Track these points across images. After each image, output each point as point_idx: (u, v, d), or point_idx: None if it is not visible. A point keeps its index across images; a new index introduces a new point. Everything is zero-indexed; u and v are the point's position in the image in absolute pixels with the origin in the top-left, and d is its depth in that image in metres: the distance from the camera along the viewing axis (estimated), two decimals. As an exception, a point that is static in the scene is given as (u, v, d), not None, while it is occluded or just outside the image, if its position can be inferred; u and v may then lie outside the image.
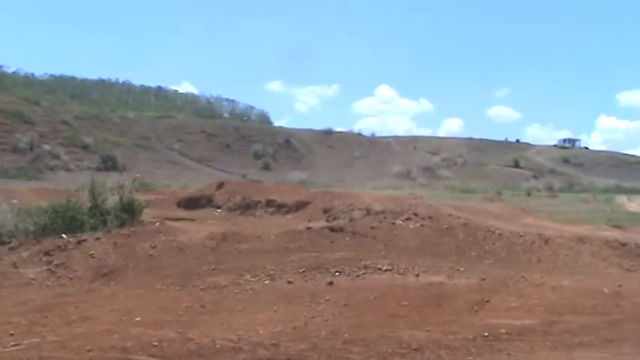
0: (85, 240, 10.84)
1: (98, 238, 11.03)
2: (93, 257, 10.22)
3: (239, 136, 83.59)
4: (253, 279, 8.86)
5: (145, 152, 68.76)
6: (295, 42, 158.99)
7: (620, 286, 8.39)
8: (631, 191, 47.43)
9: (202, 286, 8.56)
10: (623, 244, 11.53)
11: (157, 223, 13.73)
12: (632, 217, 22.89)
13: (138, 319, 6.83)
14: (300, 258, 10.09)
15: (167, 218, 15.51)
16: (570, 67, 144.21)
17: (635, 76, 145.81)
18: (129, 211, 13.38)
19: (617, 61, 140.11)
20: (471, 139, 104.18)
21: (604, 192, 45.94)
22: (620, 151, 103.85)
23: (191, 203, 22.13)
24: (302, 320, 6.78)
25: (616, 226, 17.32)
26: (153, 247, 11.01)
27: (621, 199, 38.35)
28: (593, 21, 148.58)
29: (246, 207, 19.97)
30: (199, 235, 12.41)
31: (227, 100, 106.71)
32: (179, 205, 22.30)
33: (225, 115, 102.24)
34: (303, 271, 9.17)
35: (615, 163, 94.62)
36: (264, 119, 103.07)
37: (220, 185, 24.16)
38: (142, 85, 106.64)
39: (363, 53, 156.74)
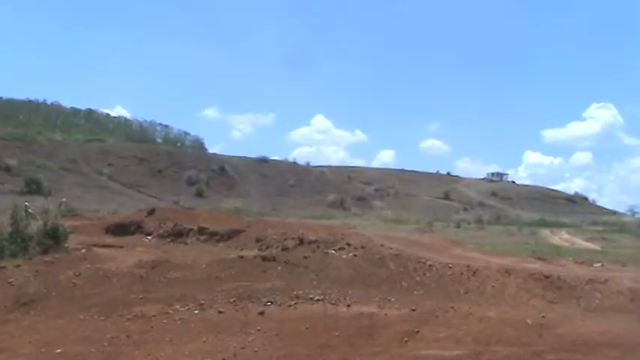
0: (3, 267, 10.35)
1: (18, 266, 10.58)
2: (12, 285, 9.77)
3: (172, 161, 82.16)
4: (183, 309, 8.67)
5: (72, 176, 66.45)
6: (232, 69, 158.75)
7: (543, 317, 8.67)
8: (554, 225, 49.34)
9: (129, 316, 8.29)
10: (547, 277, 11.92)
11: (83, 250, 13.25)
12: (555, 249, 23.77)
13: (59, 350, 6.56)
14: (231, 287, 9.97)
15: (94, 245, 14.98)
16: (499, 103, 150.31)
17: (559, 114, 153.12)
18: (53, 237, 12.85)
19: (542, 100, 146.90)
20: (403, 170, 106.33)
21: (529, 225, 47.56)
22: (544, 186, 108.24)
23: (120, 229, 21.47)
24: (231, 351, 6.67)
25: (540, 259, 17.88)
26: (77, 275, 10.63)
27: (545, 232, 39.81)
28: (519, 62, 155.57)
29: (178, 234, 19.54)
30: (127, 262, 12.08)
31: (160, 125, 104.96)
32: (107, 231, 21.61)
33: (159, 140, 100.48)
34: (234, 301, 9.05)
35: (540, 197, 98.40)
36: (199, 145, 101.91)
37: (151, 212, 23.60)
38: (72, 107, 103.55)
39: (300, 83, 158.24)
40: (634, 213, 73.96)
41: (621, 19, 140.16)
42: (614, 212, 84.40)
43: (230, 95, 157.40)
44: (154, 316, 8.28)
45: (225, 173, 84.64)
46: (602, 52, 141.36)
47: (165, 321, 8.06)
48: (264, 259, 12.47)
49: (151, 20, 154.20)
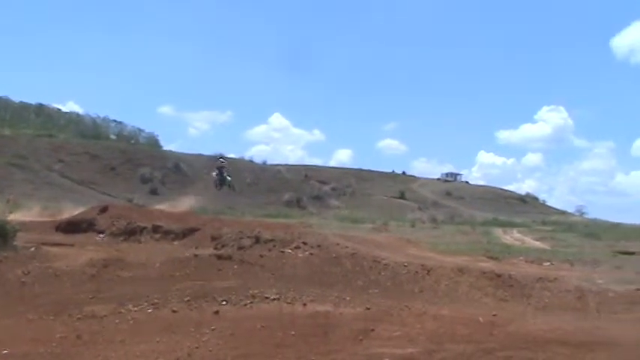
0: (-52, 266, 10.01)
1: (-36, 264, 10.23)
2: (-43, 284, 9.45)
3: (125, 158, 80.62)
4: (135, 308, 8.51)
5: (21, 172, 64.52)
6: (189, 66, 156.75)
7: (494, 315, 8.85)
8: (506, 224, 50.27)
9: (79, 316, 8.10)
10: (498, 275, 12.20)
11: (32, 249, 12.91)
12: (507, 249, 24.27)
13: (5, 351, 6.37)
14: (185, 286, 9.85)
15: (43, 243, 14.60)
16: (454, 105, 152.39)
17: (512, 116, 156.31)
18: (0, 235, 12.48)
19: (496, 102, 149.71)
20: (360, 169, 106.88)
21: (482, 224, 48.38)
22: (497, 186, 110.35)
23: (71, 228, 20.97)
24: (185, 351, 6.59)
25: (492, 258, 18.29)
26: (26, 274, 10.35)
27: (497, 231, 40.58)
28: (474, 64, 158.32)
29: (131, 232, 19.21)
30: (78, 261, 11.82)
31: (114, 121, 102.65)
32: (58, 229, 21.09)
33: (112, 136, 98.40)
34: (189, 300, 8.94)
35: (493, 197, 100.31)
36: (154, 143, 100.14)
37: (104, 209, 23.12)
38: (21, 102, 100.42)
39: (258, 81, 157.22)
40: (582, 213, 76.33)
41: (571, 24, 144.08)
42: (563, 212, 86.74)
43: (186, 92, 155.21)
44: (105, 315, 8.11)
45: (181, 171, 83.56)
46: (554, 55, 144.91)
47: (117, 321, 7.90)
48: (219, 257, 12.37)
49: (104, 14, 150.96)
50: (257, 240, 14.31)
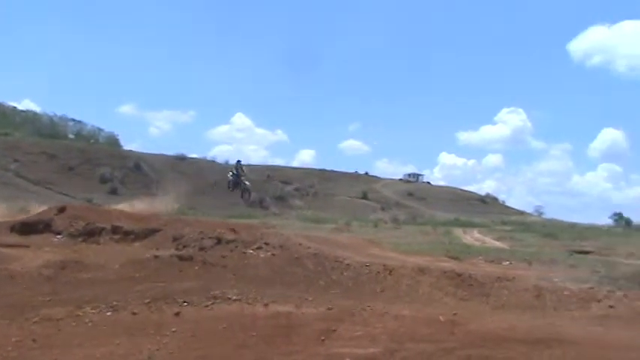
0: None
1: None
2: None
3: (84, 158, 79.20)
4: (94, 311, 8.36)
5: (-25, 172, 62.91)
6: (150, 65, 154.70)
7: (454, 314, 8.96)
8: (467, 224, 51.03)
9: (35, 319, 7.89)
10: (459, 275, 12.36)
11: (-15, 250, 12.58)
12: (467, 248, 24.63)
13: (-43, 356, 6.19)
14: (145, 288, 9.71)
15: (-2, 244, 14.24)
16: (417, 106, 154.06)
17: (473, 117, 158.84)
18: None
19: (457, 103, 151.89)
20: (323, 170, 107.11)
21: (443, 225, 48.96)
22: (458, 187, 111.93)
23: (27, 228, 20.41)
24: (146, 353, 6.51)
25: (453, 258, 18.52)
26: (-21, 277, 10.06)
27: (458, 231, 41.16)
28: (436, 67, 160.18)
29: (90, 234, 18.78)
30: (34, 263, 11.55)
31: (73, 120, 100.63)
32: (13, 230, 20.52)
33: (70, 136, 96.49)
34: (149, 302, 8.82)
35: (454, 197, 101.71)
36: (114, 142, 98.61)
37: (61, 210, 22.57)
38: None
39: (221, 81, 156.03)
40: (540, 213, 77.96)
41: (530, 28, 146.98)
42: (521, 212, 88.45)
43: (147, 91, 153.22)
44: (62, 318, 7.94)
45: (141, 171, 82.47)
46: (513, 58, 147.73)
47: (74, 324, 7.74)
48: (180, 258, 12.23)
49: (63, 12, 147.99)
50: (219, 240, 14.17)
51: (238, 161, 27.30)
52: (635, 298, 11.00)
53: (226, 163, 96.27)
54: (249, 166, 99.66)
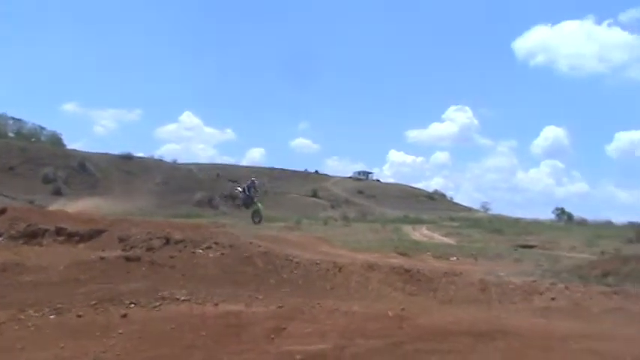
0: None
1: None
2: None
3: (26, 158, 76.79)
4: (37, 314, 8.15)
5: None
6: (95, 62, 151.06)
7: (403, 309, 9.13)
8: (416, 221, 51.78)
9: (-25, 324, 7.68)
10: (407, 271, 12.56)
11: None
12: (416, 245, 24.95)
13: None
14: (91, 290, 9.53)
15: None
16: (366, 104, 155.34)
17: (421, 115, 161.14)
18: None
19: (406, 101, 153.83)
20: (273, 168, 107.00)
21: (392, 221, 49.52)
22: (407, 184, 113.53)
23: (-35, 231, 19.72)
24: (91, 356, 6.41)
25: (402, 254, 18.78)
26: None
27: (407, 228, 41.68)
28: (385, 65, 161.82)
29: (32, 235, 18.23)
30: (-27, 266, 11.16)
31: (13, 119, 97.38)
32: (-51, 232, 19.77)
33: (10, 134, 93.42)
34: (95, 304, 8.66)
35: (403, 194, 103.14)
36: (57, 141, 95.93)
37: (2, 211, 21.90)
38: None
39: (168, 79, 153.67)
40: (486, 209, 79.75)
41: (476, 27, 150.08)
42: (469, 209, 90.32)
43: (92, 89, 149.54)
44: (3, 322, 7.71)
45: (86, 171, 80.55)
46: (460, 57, 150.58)
47: (16, 327, 7.54)
48: (127, 259, 12.03)
49: (1, 7, 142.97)
50: (167, 241, 13.99)
51: (252, 180, 24.13)
52: (575, 290, 11.41)
53: (174, 162, 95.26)
54: (197, 164, 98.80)
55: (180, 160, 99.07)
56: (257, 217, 18.50)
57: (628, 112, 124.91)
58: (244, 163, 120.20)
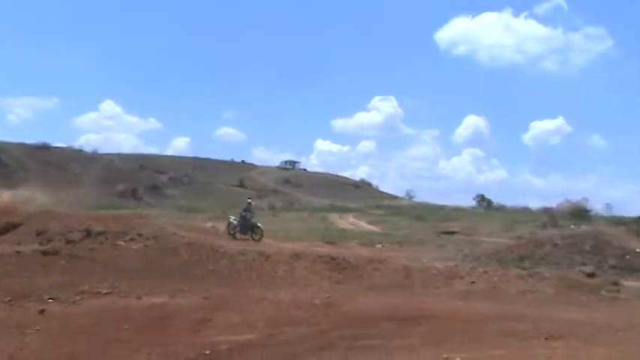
0: None
1: None
2: None
3: None
4: (-53, 312, 7.77)
5: None
6: (6, 48, 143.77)
7: (329, 297, 9.25)
8: (342, 210, 52.31)
9: None
10: (333, 259, 12.75)
11: None
12: (342, 233, 25.27)
13: None
14: (6, 285, 9.15)
15: None
16: (292, 94, 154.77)
17: (347, 105, 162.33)
18: None
19: (332, 91, 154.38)
20: (198, 158, 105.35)
21: (319, 210, 49.87)
22: (334, 173, 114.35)
23: None
24: (5, 354, 6.17)
25: (328, 242, 19.01)
26: None
27: (334, 217, 42.10)
28: (311, 55, 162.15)
29: (-61, 230, 17.32)
30: None
31: None
32: None
33: None
34: (10, 300, 8.33)
35: (329, 183, 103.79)
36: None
37: None
38: None
39: (87, 66, 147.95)
40: (410, 197, 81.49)
41: (399, 18, 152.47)
42: (394, 197, 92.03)
43: (4, 76, 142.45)
44: None
45: (0, 161, 76.88)
46: (384, 47, 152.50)
47: None
48: (45, 253, 11.63)
49: None
50: (88, 233, 13.59)
51: (248, 202, 21.03)
52: (494, 274, 11.91)
53: (95, 152, 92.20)
54: (119, 155, 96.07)
55: (102, 151, 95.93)
56: (257, 235, 17.18)
57: (543, 102, 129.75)
58: (169, 152, 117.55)
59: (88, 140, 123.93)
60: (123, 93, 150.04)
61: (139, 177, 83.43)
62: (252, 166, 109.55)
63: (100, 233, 13.44)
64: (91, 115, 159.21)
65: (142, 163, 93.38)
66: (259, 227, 18.55)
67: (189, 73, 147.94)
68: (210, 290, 9.59)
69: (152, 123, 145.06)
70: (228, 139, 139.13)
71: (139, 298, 8.82)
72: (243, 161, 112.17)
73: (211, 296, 9.02)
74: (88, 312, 7.93)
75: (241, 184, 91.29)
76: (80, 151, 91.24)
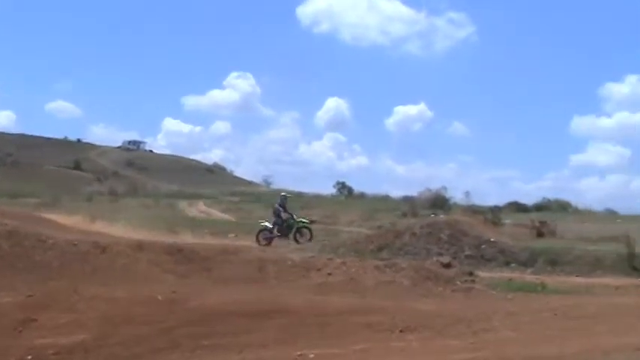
0: None
1: None
2: None
3: None
4: None
5: None
6: None
7: (174, 292, 9.12)
8: (192, 196, 51.73)
9: None
10: (180, 250, 12.58)
11: None
12: (191, 222, 25.06)
13: None
14: None
15: None
16: (138, 66, 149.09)
17: (200, 81, 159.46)
18: None
19: (183, 65, 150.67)
20: (24, 135, 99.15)
21: (167, 197, 48.99)
22: (184, 155, 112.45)
23: None
24: None
25: (175, 232, 18.76)
26: None
27: (183, 204, 41.58)
28: (159, 24, 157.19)
29: None
30: None
31: None
32: None
33: None
34: None
35: (179, 167, 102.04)
36: None
37: None
38: None
39: None
40: (268, 183, 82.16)
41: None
42: (250, 183, 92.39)
43: None
44: None
45: None
46: (242, 20, 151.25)
47: None
48: None
49: None
50: None
51: (284, 195, 17.61)
52: (351, 265, 12.34)
53: None
54: None
55: None
56: (305, 236, 14.83)
57: (406, 86, 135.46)
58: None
59: None
60: None
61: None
62: (90, 146, 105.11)
63: None
64: None
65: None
66: (306, 225, 15.95)
67: (15, 36, 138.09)
68: (35, 286, 9.11)
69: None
70: (62, 114, 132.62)
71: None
72: (79, 140, 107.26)
73: (37, 293, 8.57)
74: None
75: (77, 166, 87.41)
76: None
